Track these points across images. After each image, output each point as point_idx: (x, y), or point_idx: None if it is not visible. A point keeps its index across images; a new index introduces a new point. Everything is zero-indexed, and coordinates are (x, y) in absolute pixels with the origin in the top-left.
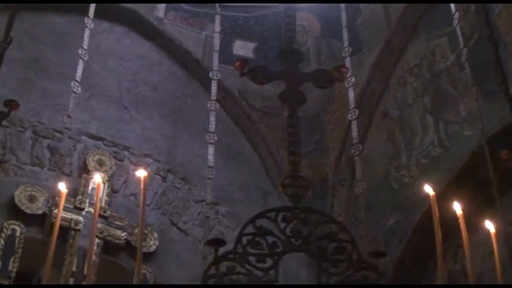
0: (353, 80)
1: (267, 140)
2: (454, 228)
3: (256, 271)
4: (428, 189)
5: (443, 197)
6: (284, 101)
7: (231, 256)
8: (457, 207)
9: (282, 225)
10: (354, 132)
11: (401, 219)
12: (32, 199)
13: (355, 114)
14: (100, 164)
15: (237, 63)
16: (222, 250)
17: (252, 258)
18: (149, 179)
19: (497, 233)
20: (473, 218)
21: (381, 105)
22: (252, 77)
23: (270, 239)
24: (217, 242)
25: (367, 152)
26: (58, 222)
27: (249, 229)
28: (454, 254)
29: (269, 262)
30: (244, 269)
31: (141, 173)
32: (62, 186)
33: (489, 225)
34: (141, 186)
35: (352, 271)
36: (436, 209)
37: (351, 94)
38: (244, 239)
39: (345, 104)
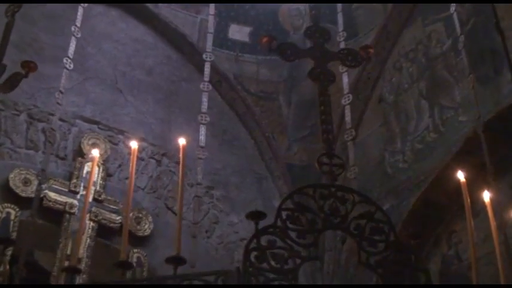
0: None
1: (262, 124)
2: (449, 213)
3: (297, 247)
4: (460, 175)
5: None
6: (314, 80)
7: (271, 230)
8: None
9: (320, 202)
10: (348, 117)
11: (396, 204)
12: (26, 182)
13: (348, 99)
14: (95, 148)
15: (265, 39)
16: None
17: (292, 234)
18: (144, 163)
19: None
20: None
21: (377, 90)
22: (281, 53)
23: (309, 215)
24: (258, 215)
25: (362, 136)
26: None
27: (288, 204)
28: (448, 239)
29: (309, 238)
30: (285, 244)
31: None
32: (96, 152)
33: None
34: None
35: (389, 252)
36: (468, 197)
37: (345, 79)
38: (284, 214)
39: (340, 89)
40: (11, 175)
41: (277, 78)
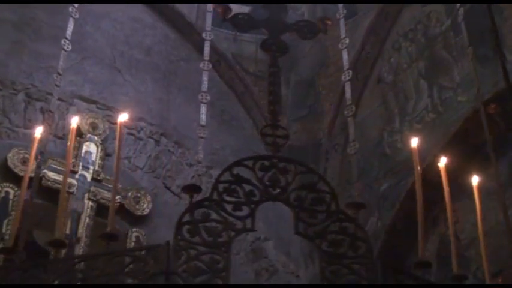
0: (347, 41)
1: (261, 104)
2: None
3: (232, 219)
4: (414, 141)
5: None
6: (266, 50)
7: (206, 203)
8: (443, 161)
9: (260, 173)
10: (348, 94)
11: (394, 184)
12: (25, 162)
13: (348, 75)
14: (93, 128)
15: (220, 10)
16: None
17: (228, 207)
18: (143, 143)
19: (491, 193)
20: (465, 183)
21: (375, 70)
22: (234, 23)
23: (247, 187)
24: (193, 188)
25: (361, 117)
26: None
27: (226, 177)
28: (446, 219)
29: (245, 210)
30: (219, 217)
31: (122, 117)
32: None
33: (474, 180)
34: (118, 132)
35: (330, 222)
36: (418, 163)
37: (345, 55)
38: (221, 187)
39: (339, 68)
40: (10, 154)
41: None
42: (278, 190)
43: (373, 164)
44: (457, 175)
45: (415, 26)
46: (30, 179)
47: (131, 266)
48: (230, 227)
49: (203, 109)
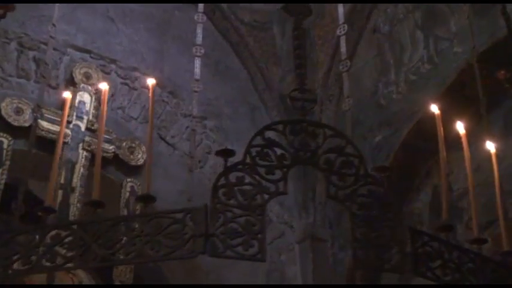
0: None
1: (256, 54)
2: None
3: (265, 182)
4: (434, 108)
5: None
6: (289, 13)
7: (240, 167)
8: (460, 127)
9: (290, 137)
10: (343, 48)
11: (388, 135)
12: (18, 111)
13: (344, 30)
14: (87, 77)
15: None
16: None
17: (261, 170)
18: (137, 93)
19: (483, 150)
20: (459, 134)
21: (371, 20)
22: None
23: (278, 151)
24: (227, 153)
25: (356, 67)
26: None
27: (258, 141)
28: (439, 170)
29: (278, 174)
30: (253, 180)
31: (103, 86)
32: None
33: (490, 146)
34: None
35: (359, 185)
36: (441, 129)
37: (340, 9)
38: (253, 151)
39: (335, 19)
40: (3, 104)
41: (271, 8)
42: (308, 154)
43: (367, 114)
44: (451, 126)
45: None
46: (24, 128)
47: (170, 227)
48: (264, 190)
49: (197, 62)
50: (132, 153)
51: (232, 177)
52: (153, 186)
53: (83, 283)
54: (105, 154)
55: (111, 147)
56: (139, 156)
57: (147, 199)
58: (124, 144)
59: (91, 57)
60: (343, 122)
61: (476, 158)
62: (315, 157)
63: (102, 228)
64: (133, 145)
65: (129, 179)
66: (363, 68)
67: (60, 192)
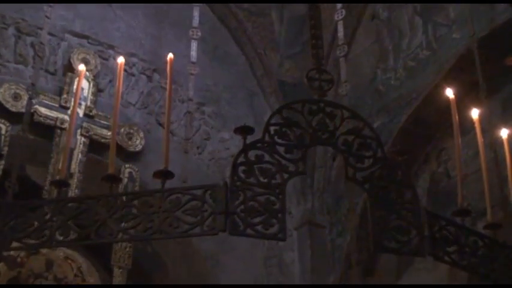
0: None
1: (254, 40)
2: (439, 131)
3: (284, 162)
4: (449, 92)
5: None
6: None
7: (259, 145)
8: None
9: (308, 117)
10: (340, 33)
11: (386, 122)
12: (16, 97)
13: (341, 15)
14: (85, 63)
15: None
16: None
17: (280, 149)
18: (135, 79)
19: (484, 130)
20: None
21: (370, 6)
22: None
23: (297, 130)
24: (246, 130)
25: (354, 53)
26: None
27: (277, 119)
28: (438, 157)
29: (297, 154)
30: (273, 159)
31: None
32: (82, 67)
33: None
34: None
35: (376, 168)
36: (456, 114)
37: None
38: (272, 129)
39: (333, 4)
40: (1, 90)
41: None
42: (327, 134)
43: (366, 101)
44: (450, 112)
45: None
46: (22, 114)
47: (188, 204)
48: (283, 169)
49: (194, 45)
50: (130, 139)
51: (252, 155)
52: (150, 171)
53: (82, 269)
54: (103, 140)
55: (109, 133)
56: (138, 142)
57: (165, 175)
58: (122, 130)
59: (89, 43)
60: None
61: (475, 144)
62: (333, 138)
63: (118, 203)
64: (132, 131)
65: (127, 165)
66: (361, 55)
67: (58, 178)
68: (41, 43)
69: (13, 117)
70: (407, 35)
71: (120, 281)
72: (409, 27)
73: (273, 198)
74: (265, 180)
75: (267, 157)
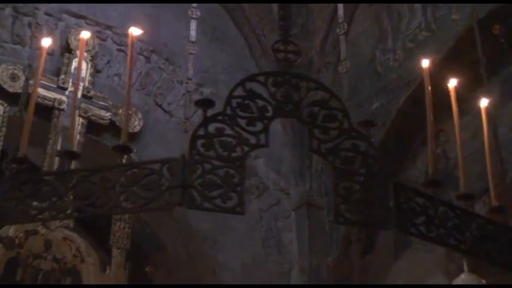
0: None
1: (253, 21)
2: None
3: (246, 134)
4: (425, 63)
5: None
6: None
7: (220, 117)
8: (452, 83)
9: (272, 89)
10: (340, 11)
11: (385, 103)
12: (14, 78)
13: None
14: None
15: None
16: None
17: (241, 122)
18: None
19: (480, 118)
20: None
21: None
22: None
23: (260, 102)
24: (206, 103)
25: (353, 35)
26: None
27: (239, 92)
28: (436, 138)
29: (259, 126)
30: (233, 132)
31: (135, 31)
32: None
33: (483, 102)
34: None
35: (342, 139)
36: (429, 84)
37: None
38: (234, 102)
39: None
40: None
41: None
42: (291, 106)
43: (364, 82)
44: (448, 94)
45: None
46: (20, 94)
47: (146, 178)
48: (244, 142)
49: (193, 25)
50: (128, 120)
51: (212, 128)
52: (149, 151)
53: (80, 249)
54: (101, 121)
55: (107, 114)
56: (136, 123)
57: (123, 149)
58: (120, 111)
59: (86, 24)
60: (340, 90)
61: (472, 126)
62: (297, 109)
63: (77, 179)
64: (130, 112)
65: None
66: (360, 36)
67: (56, 159)
68: (38, 23)
69: (11, 98)
70: (407, 16)
71: (119, 261)
72: (408, 8)
73: (232, 171)
74: (225, 153)
75: (227, 130)
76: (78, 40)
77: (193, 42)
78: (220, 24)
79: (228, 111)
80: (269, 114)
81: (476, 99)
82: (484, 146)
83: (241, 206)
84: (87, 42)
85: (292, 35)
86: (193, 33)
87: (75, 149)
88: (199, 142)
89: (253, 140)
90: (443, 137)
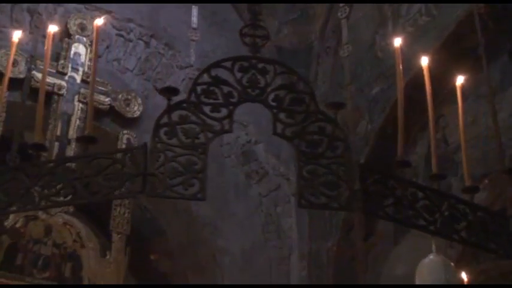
0: None
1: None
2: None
3: (210, 121)
4: (397, 41)
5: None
6: None
7: (184, 105)
8: (424, 61)
9: (239, 75)
10: None
11: (385, 88)
12: (13, 63)
13: None
14: (82, 29)
15: None
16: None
17: (206, 109)
18: (132, 45)
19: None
20: (455, 87)
21: None
22: None
23: (225, 88)
24: (170, 91)
25: (354, 20)
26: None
27: (205, 79)
28: (436, 123)
29: (223, 112)
30: (197, 118)
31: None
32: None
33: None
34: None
35: (308, 122)
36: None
37: None
38: (199, 89)
39: None
40: None
41: None
42: (257, 91)
43: (364, 67)
44: (448, 79)
45: None
46: (19, 80)
47: (110, 168)
48: (208, 129)
49: (194, 11)
50: (128, 105)
51: (175, 116)
52: (148, 137)
53: (81, 234)
54: (100, 106)
55: (106, 99)
56: (135, 108)
57: (87, 140)
58: (120, 96)
59: (86, 9)
60: (340, 75)
61: (472, 111)
62: (263, 94)
63: (42, 171)
64: (129, 97)
65: (125, 131)
66: (360, 21)
67: (56, 144)
68: (39, 13)
69: (10, 83)
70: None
71: (119, 246)
72: None
73: (194, 158)
74: (188, 141)
75: (192, 117)
76: (77, 25)
77: (195, 28)
78: (220, 9)
79: (193, 98)
80: (234, 100)
81: (475, 86)
82: (486, 131)
83: (202, 192)
84: (86, 27)
85: (261, 19)
86: (194, 19)
87: (75, 134)
88: (163, 130)
89: (217, 127)
90: (442, 122)
